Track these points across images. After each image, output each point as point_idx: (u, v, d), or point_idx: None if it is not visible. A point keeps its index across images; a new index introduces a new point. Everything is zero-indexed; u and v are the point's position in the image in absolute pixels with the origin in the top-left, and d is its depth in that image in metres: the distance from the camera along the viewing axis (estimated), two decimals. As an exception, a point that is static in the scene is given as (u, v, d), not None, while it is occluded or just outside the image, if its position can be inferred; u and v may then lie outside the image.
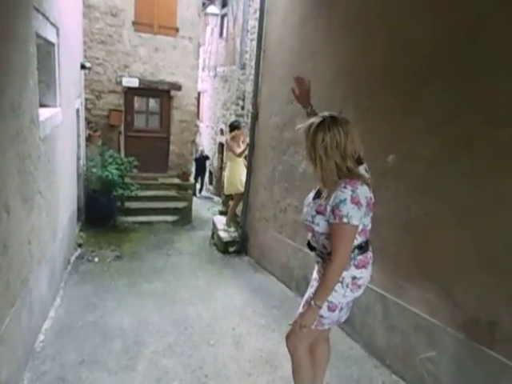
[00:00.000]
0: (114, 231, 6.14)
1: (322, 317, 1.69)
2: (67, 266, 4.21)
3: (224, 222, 5.41)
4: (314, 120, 1.58)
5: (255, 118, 4.68)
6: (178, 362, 2.49)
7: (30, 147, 2.46)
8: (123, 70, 7.50)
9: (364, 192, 1.56)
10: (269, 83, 4.44)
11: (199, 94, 11.82)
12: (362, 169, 1.64)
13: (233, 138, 5.22)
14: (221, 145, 10.58)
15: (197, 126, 11.41)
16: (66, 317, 3.06)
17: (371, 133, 2.47)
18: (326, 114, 1.59)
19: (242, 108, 8.48)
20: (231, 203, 5.55)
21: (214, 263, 4.73)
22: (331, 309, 1.69)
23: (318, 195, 1.68)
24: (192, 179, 9.44)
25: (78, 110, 5.51)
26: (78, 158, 5.70)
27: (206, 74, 11.93)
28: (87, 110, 7.15)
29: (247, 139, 5.05)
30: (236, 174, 5.25)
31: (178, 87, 7.91)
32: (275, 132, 4.18)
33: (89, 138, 6.86)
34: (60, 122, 3.73)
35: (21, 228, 2.26)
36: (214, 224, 5.67)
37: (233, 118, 8.89)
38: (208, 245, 5.57)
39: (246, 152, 4.99)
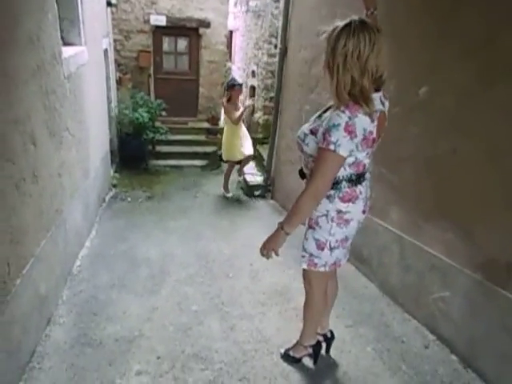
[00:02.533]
0: (146, 173, 6.35)
1: (312, 255, 1.63)
2: (102, 204, 4.48)
3: (252, 167, 5.39)
4: (340, 23, 1.35)
5: (284, 53, 4.42)
6: (198, 290, 2.67)
7: (53, 83, 2.50)
8: (150, 7, 7.22)
9: (363, 123, 1.37)
10: (299, 14, 4.11)
11: (231, 32, 11.21)
12: (376, 96, 1.42)
13: (229, 100, 4.63)
14: (252, 88, 10.23)
15: (229, 69, 11.03)
16: (100, 246, 3.32)
17: (405, 62, 2.26)
18: (355, 17, 1.34)
19: (276, 47, 8.01)
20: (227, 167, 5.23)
21: (238, 205, 4.84)
22: (319, 247, 1.60)
23: (322, 114, 1.52)
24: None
25: (106, 51, 5.47)
26: (109, 101, 5.78)
27: (239, 9, 11.16)
28: (116, 51, 7.08)
29: (248, 101, 4.71)
30: (235, 141, 4.80)
31: (207, 24, 7.56)
32: (303, 68, 3.96)
33: (119, 81, 6.88)
34: (86, 61, 3.73)
35: (50, 161, 2.38)
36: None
37: (265, 59, 8.43)
38: (235, 188, 5.66)
39: (245, 116, 4.62)
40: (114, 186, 5.37)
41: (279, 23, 5.34)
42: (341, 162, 1.41)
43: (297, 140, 1.57)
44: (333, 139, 1.35)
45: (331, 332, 2.01)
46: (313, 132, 1.48)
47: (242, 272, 2.96)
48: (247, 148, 4.88)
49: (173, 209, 4.62)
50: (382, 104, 1.46)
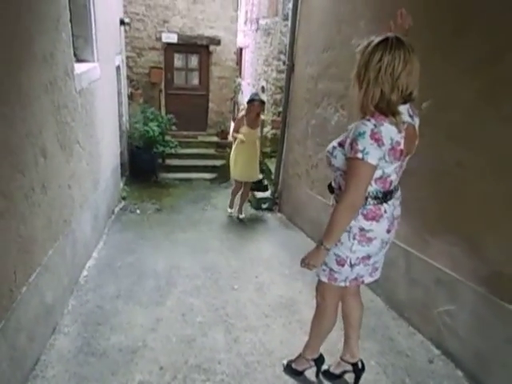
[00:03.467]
0: (156, 186, 6.45)
1: (332, 270, 1.60)
2: (111, 216, 4.55)
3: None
4: (375, 38, 1.35)
5: (291, 69, 4.51)
6: (203, 302, 2.67)
7: (65, 98, 2.60)
8: (162, 26, 7.47)
9: (389, 132, 1.35)
10: (306, 31, 4.21)
11: (241, 49, 11.47)
12: (404, 108, 1.40)
13: (247, 115, 4.32)
14: (262, 103, 10.36)
15: (239, 84, 11.22)
16: (107, 258, 3.36)
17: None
18: (391, 34, 1.34)
19: (284, 63, 8.16)
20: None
21: (246, 218, 4.86)
22: (339, 263, 1.57)
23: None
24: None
25: (118, 67, 5.66)
26: (121, 115, 5.94)
27: (249, 27, 11.46)
28: (129, 67, 7.31)
29: (242, 133, 4.24)
30: (237, 159, 4.48)
31: (217, 42, 7.76)
32: (310, 84, 4.02)
33: (131, 96, 7.08)
34: (98, 77, 3.87)
35: (60, 172, 2.46)
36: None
37: (274, 75, 8.54)
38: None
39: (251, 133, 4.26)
40: (124, 198, 5.46)
41: (288, 40, 5.46)
42: (371, 170, 1.38)
43: (326, 154, 1.56)
44: (360, 147, 1.34)
45: (362, 363, 1.89)
46: (341, 144, 1.48)
47: (247, 284, 2.96)
48: (247, 173, 4.55)
49: (182, 221, 4.66)
50: (411, 117, 1.45)
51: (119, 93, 5.72)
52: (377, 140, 1.33)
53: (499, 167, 1.83)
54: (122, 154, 5.87)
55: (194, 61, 8.12)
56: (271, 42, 9.75)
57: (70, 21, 2.80)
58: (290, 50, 4.55)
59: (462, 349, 1.98)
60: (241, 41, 11.01)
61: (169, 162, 7.15)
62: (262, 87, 10.59)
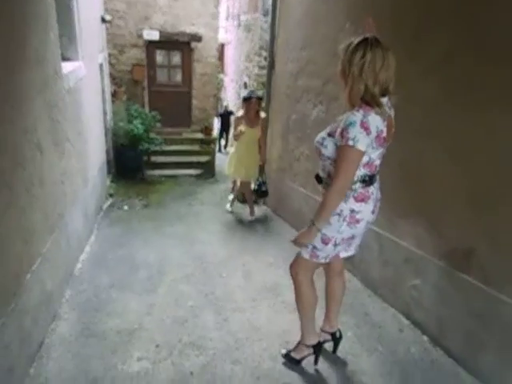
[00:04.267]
0: (142, 183, 6.54)
1: (315, 248, 1.71)
2: (100, 212, 4.65)
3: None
4: (355, 39, 1.51)
5: (271, 66, 4.68)
6: (194, 288, 2.84)
7: (56, 97, 2.71)
8: (144, 23, 7.52)
9: (375, 121, 1.50)
10: (285, 29, 4.39)
11: (223, 46, 11.54)
12: (384, 101, 1.56)
13: (247, 113, 4.25)
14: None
15: (221, 80, 11.31)
16: (99, 251, 3.49)
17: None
18: (370, 34, 1.52)
19: (265, 59, 8.31)
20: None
21: (233, 211, 5.03)
22: (324, 241, 1.68)
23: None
24: (216, 134, 9.57)
25: (101, 65, 5.70)
26: (105, 113, 5.99)
27: (230, 23, 11.53)
28: (111, 65, 7.33)
29: (242, 127, 4.17)
30: (233, 156, 4.49)
31: (199, 38, 7.86)
32: (290, 80, 4.21)
33: (114, 94, 7.11)
34: (83, 76, 3.96)
35: (53, 169, 2.58)
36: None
37: (256, 71, 8.67)
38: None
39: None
40: (111, 195, 5.54)
41: (268, 37, 5.62)
42: (360, 156, 1.51)
43: (315, 145, 1.68)
44: (351, 135, 1.47)
45: (340, 332, 2.07)
46: (330, 135, 1.61)
47: (235, 272, 3.14)
48: (243, 171, 4.45)
49: (169, 216, 4.80)
50: (390, 109, 1.62)
51: (103, 90, 5.77)
52: (366, 129, 1.48)
53: (453, 155, 2.07)
54: (107, 151, 5.94)
55: (176, 58, 8.20)
56: (252, 37, 9.87)
57: (57, 21, 2.90)
58: (271, 47, 4.72)
59: (426, 317, 2.24)
60: (223, 37, 11.07)
61: (154, 158, 7.23)
62: (245, 83, 10.71)
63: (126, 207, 5.15)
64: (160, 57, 8.10)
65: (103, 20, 6.08)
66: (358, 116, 1.49)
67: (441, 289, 2.12)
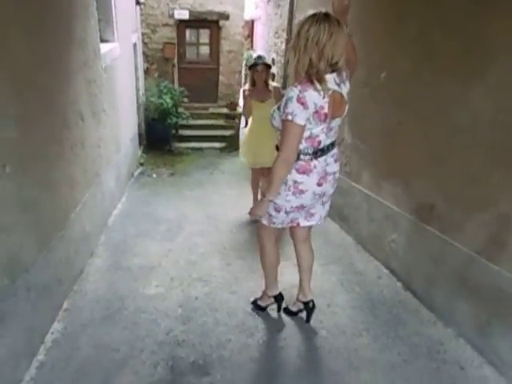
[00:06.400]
0: (170, 154, 7.08)
1: (271, 216, 1.86)
2: (131, 178, 5.23)
3: None
4: (310, 13, 1.56)
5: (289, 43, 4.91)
6: (206, 240, 3.32)
7: (94, 74, 3.19)
8: (175, 2, 7.87)
9: (313, 97, 1.54)
10: (303, 6, 4.59)
11: (252, 22, 11.64)
12: (330, 77, 1.58)
13: (254, 85, 3.39)
14: (273, 75, 10.61)
15: (250, 57, 11.47)
16: (129, 208, 4.05)
17: (372, 51, 2.77)
18: (323, 9, 1.56)
19: (292, 36, 8.42)
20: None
21: (248, 181, 5.42)
22: (276, 209, 1.82)
23: None
24: (242, 110, 9.84)
25: (135, 45, 6.17)
26: (138, 89, 6.51)
27: (261, -1, 11.53)
28: (144, 44, 7.80)
29: (272, 84, 3.42)
30: (249, 141, 3.77)
31: (226, 17, 8.12)
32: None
33: (147, 71, 7.61)
34: (118, 55, 4.43)
35: (92, 134, 3.08)
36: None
37: (284, 47, 8.78)
38: (248, 168, 6.25)
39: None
40: (142, 164, 6.13)
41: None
42: (299, 129, 1.57)
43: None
44: (289, 110, 1.54)
45: (313, 302, 2.15)
46: (279, 108, 1.68)
47: (243, 229, 3.58)
48: (260, 157, 3.45)
49: (191, 182, 5.31)
50: (338, 85, 1.62)
51: (136, 68, 6.27)
52: (302, 104, 1.53)
53: (423, 125, 2.34)
54: (139, 125, 6.49)
55: (204, 36, 8.53)
56: (281, 13, 9.94)
57: (96, 8, 3.35)
58: (289, 25, 4.94)
59: (401, 266, 2.57)
60: (252, 13, 11.17)
61: (181, 132, 7.72)
62: (273, 59, 10.86)
63: (154, 175, 5.71)
64: (189, 35, 8.46)
65: (137, 2, 6.50)
66: (295, 91, 1.54)
67: (411, 240, 2.44)
